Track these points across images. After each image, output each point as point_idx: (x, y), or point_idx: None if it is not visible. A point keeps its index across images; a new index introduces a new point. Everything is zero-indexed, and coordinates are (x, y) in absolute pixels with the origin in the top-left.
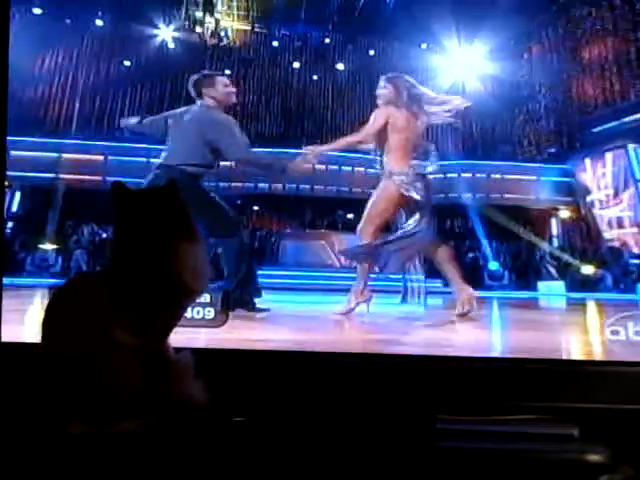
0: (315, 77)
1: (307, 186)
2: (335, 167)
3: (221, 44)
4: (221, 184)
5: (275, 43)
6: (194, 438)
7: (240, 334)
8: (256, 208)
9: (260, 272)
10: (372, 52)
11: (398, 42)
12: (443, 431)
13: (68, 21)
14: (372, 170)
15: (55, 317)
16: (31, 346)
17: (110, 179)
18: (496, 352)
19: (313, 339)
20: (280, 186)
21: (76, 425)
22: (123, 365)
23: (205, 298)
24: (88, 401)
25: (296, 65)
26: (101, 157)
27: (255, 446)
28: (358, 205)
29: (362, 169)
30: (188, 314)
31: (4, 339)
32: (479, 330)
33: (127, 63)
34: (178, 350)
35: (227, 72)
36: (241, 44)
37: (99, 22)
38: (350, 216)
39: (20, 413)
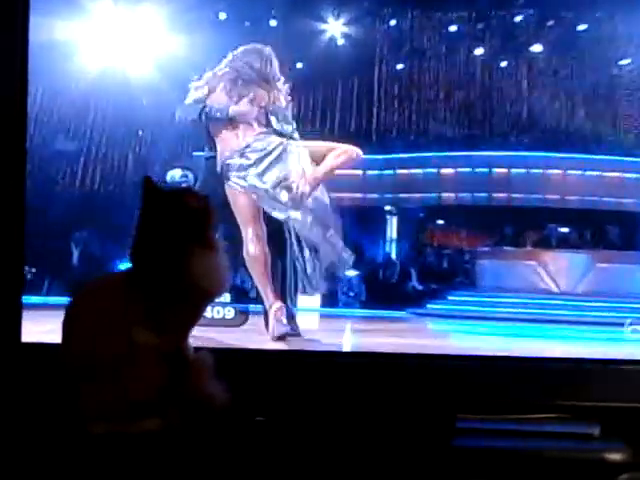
0: (504, 64)
1: (502, 195)
2: (538, 171)
3: (391, 35)
4: (400, 195)
5: (453, 28)
6: (214, 438)
7: None
8: (441, 222)
9: (451, 297)
10: (582, 26)
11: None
12: (463, 430)
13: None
14: (591, 173)
15: (75, 317)
16: (52, 346)
17: None
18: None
19: None
20: (468, 196)
21: (97, 425)
22: (143, 365)
23: (225, 298)
24: (109, 401)
25: (479, 52)
26: None
27: (276, 446)
28: (575, 216)
29: (578, 172)
30: (208, 314)
31: (24, 340)
32: None
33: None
34: (197, 350)
35: (399, 67)
36: (414, 33)
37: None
38: (565, 230)
39: (41, 413)
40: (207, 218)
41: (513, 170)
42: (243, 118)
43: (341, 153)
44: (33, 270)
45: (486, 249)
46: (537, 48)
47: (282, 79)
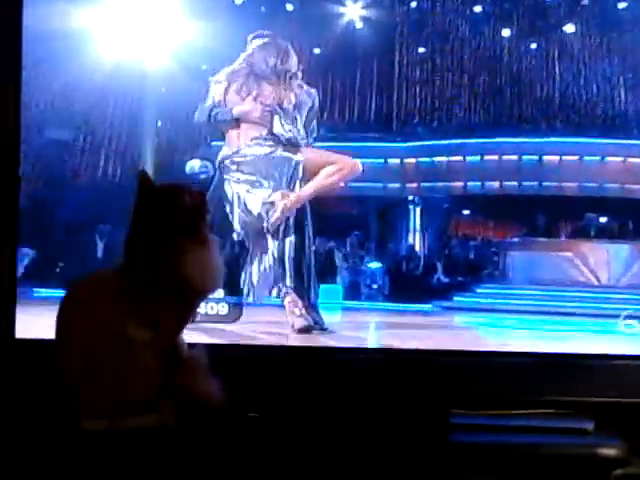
0: (533, 46)
1: (533, 183)
2: (574, 158)
3: (411, 18)
4: (423, 184)
5: (477, 8)
6: (209, 434)
7: None
8: (467, 212)
9: (479, 290)
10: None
11: None
12: (457, 425)
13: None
14: (633, 159)
15: (69, 313)
16: (45, 342)
17: None
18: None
19: None
20: (496, 184)
21: (91, 421)
22: (137, 361)
23: (219, 294)
24: (102, 397)
25: (506, 33)
26: None
27: (269, 442)
28: (616, 205)
29: (619, 159)
30: (202, 309)
31: (18, 335)
32: None
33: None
34: (192, 346)
35: (421, 50)
36: (435, 15)
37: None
38: (605, 219)
39: (36, 409)
40: (200, 215)
41: (545, 157)
42: (246, 117)
43: (335, 172)
44: (61, 264)
45: (516, 240)
46: (570, 28)
47: (298, 78)
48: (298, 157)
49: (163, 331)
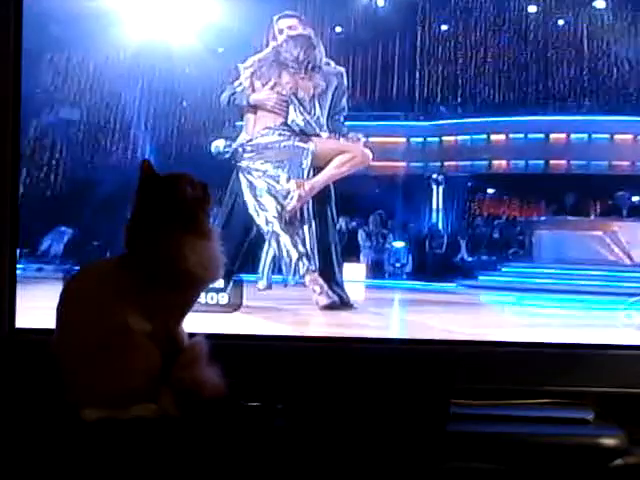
0: (561, 22)
1: (561, 161)
2: (604, 136)
3: None
4: (447, 163)
5: None
6: (208, 423)
7: None
8: (491, 191)
9: (505, 269)
10: None
11: None
12: (457, 415)
13: None
14: None
15: (69, 302)
16: (46, 332)
17: None
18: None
19: None
20: (522, 163)
21: (90, 411)
22: (137, 350)
23: (219, 283)
24: (102, 387)
25: (532, 9)
26: None
27: (270, 430)
28: None
29: None
30: (202, 299)
31: (18, 325)
32: None
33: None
34: (192, 335)
35: (444, 28)
36: None
37: None
38: (636, 198)
39: (34, 399)
40: (202, 206)
41: (573, 136)
42: (262, 105)
43: (347, 161)
44: (95, 243)
45: (544, 219)
46: (600, 4)
47: (322, 71)
48: (310, 146)
49: (163, 321)
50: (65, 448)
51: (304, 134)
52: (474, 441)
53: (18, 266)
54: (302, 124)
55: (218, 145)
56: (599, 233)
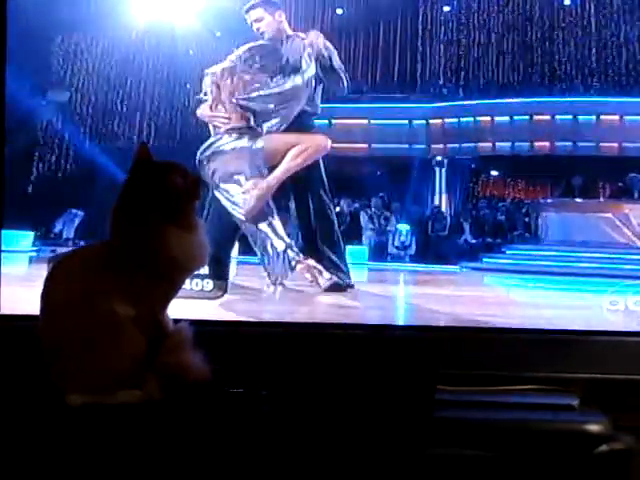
0: (567, 2)
1: (567, 143)
2: (613, 117)
3: None
4: (449, 145)
5: None
6: (193, 409)
7: None
8: (495, 173)
9: (510, 252)
10: None
11: None
12: (442, 402)
13: None
14: None
15: (54, 288)
16: (30, 318)
17: None
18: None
19: None
20: (526, 145)
21: (74, 396)
22: (121, 336)
23: (204, 270)
24: (87, 372)
25: None
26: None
27: (254, 418)
28: None
29: None
30: (187, 285)
31: (3, 311)
32: None
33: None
34: (177, 322)
35: (446, 9)
36: None
37: None
38: None
39: (19, 385)
40: (190, 197)
41: (580, 117)
42: (217, 109)
43: (300, 152)
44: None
45: (550, 201)
46: None
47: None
48: (259, 144)
49: (147, 306)
50: (50, 433)
51: (254, 134)
52: (459, 427)
53: (32, 248)
54: (250, 124)
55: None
56: (609, 215)
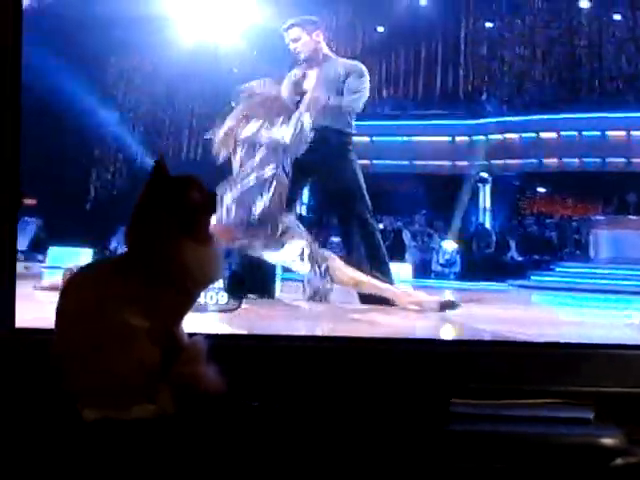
0: (617, 17)
1: (620, 160)
2: None
3: None
4: (493, 162)
5: None
6: (207, 423)
7: None
8: (542, 190)
9: (560, 269)
10: None
11: None
12: (457, 415)
13: None
14: None
15: (70, 299)
16: (45, 332)
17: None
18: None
19: None
20: (576, 161)
21: (90, 410)
22: (136, 348)
23: (219, 283)
24: (101, 386)
25: (584, 4)
26: None
27: (269, 431)
28: None
29: None
30: (201, 299)
31: (18, 324)
32: None
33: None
34: (191, 335)
35: (488, 25)
36: None
37: None
38: None
39: (34, 399)
40: (205, 212)
41: (633, 133)
42: None
43: None
44: None
45: (601, 218)
46: None
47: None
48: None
49: (162, 319)
50: (65, 448)
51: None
52: (474, 441)
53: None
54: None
55: None
56: None
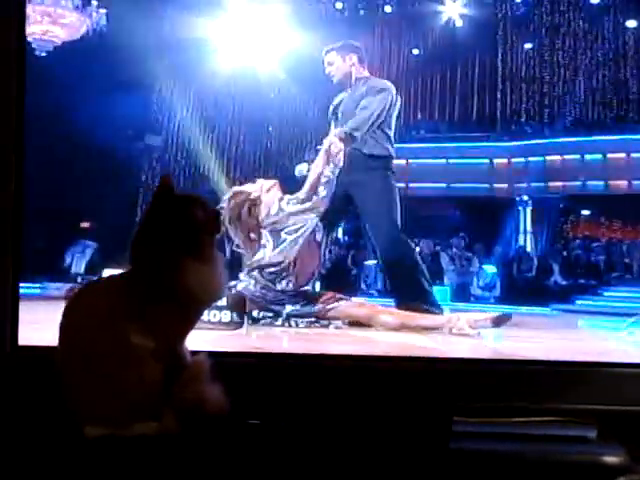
0: None
1: None
2: None
3: (517, 12)
4: (533, 184)
5: None
6: (210, 441)
7: None
8: (586, 212)
9: (607, 293)
10: None
11: None
12: (459, 433)
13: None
14: None
15: (73, 319)
16: (48, 349)
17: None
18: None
19: None
20: (624, 183)
21: (92, 428)
22: (139, 367)
23: (222, 301)
24: (104, 403)
25: (631, 24)
26: None
27: (270, 449)
28: None
29: None
30: (204, 317)
31: (21, 342)
32: None
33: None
34: (195, 353)
35: (527, 46)
36: (546, 9)
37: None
38: None
39: (37, 416)
40: (209, 229)
41: None
42: None
43: None
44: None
45: None
46: None
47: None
48: None
49: (165, 338)
50: (68, 465)
51: None
52: (476, 459)
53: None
54: None
55: (302, 169)
56: None
